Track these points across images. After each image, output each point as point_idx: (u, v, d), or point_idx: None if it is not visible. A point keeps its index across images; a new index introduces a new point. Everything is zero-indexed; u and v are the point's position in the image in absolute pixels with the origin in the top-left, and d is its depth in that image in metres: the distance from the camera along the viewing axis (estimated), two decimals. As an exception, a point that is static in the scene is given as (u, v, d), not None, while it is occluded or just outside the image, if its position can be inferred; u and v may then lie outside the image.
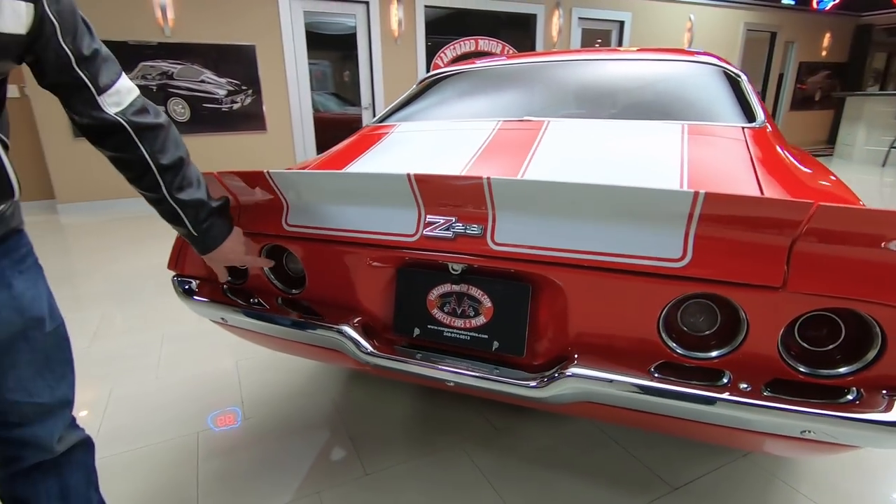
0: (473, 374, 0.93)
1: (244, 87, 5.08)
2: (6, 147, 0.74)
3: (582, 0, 6.57)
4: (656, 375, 0.82)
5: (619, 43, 7.10)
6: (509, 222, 0.88)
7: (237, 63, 4.98)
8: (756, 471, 1.36)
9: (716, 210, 0.73)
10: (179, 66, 4.78)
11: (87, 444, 0.89)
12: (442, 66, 6.03)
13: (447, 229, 0.91)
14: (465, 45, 6.11)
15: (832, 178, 1.18)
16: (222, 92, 5.00)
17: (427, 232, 0.93)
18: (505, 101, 1.58)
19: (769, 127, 1.31)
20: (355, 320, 1.06)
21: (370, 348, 1.01)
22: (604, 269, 0.83)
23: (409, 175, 0.88)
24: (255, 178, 1.02)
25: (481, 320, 0.96)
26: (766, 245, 0.74)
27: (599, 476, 1.34)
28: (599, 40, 6.76)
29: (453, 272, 0.95)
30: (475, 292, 0.96)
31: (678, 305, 0.84)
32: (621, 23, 7.00)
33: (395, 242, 0.96)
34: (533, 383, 0.88)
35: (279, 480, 1.27)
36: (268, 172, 0.99)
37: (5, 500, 0.84)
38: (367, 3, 5.40)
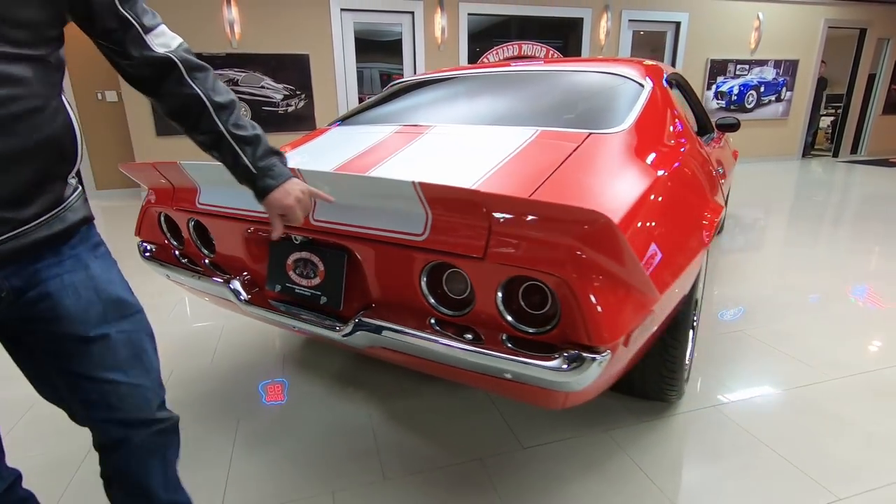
0: (304, 321, 1.21)
1: (298, 92, 5.65)
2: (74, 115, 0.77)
3: (633, 1, 6.49)
4: (419, 328, 1.06)
5: (675, 45, 6.91)
6: (322, 203, 1.15)
7: (293, 70, 5.56)
8: (607, 443, 1.50)
9: (435, 196, 0.95)
10: (243, 74, 5.44)
11: (177, 423, 0.93)
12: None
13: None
14: (508, 49, 6.29)
15: (641, 184, 1.20)
16: (279, 96, 5.60)
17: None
18: (422, 107, 1.83)
19: (629, 133, 1.45)
20: (245, 277, 1.38)
21: (245, 298, 1.32)
22: (379, 241, 1.07)
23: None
24: (173, 167, 1.37)
25: (317, 281, 1.24)
26: (473, 225, 0.95)
27: (470, 434, 1.55)
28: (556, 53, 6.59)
29: (296, 241, 1.24)
30: (314, 259, 1.24)
31: (432, 271, 1.06)
32: (677, 24, 6.81)
33: (259, 217, 1.26)
34: (336, 329, 1.15)
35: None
36: (180, 163, 1.33)
37: (107, 479, 0.89)
38: (413, 13, 5.77)
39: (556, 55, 6.45)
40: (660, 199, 1.21)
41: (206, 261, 1.52)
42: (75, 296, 0.77)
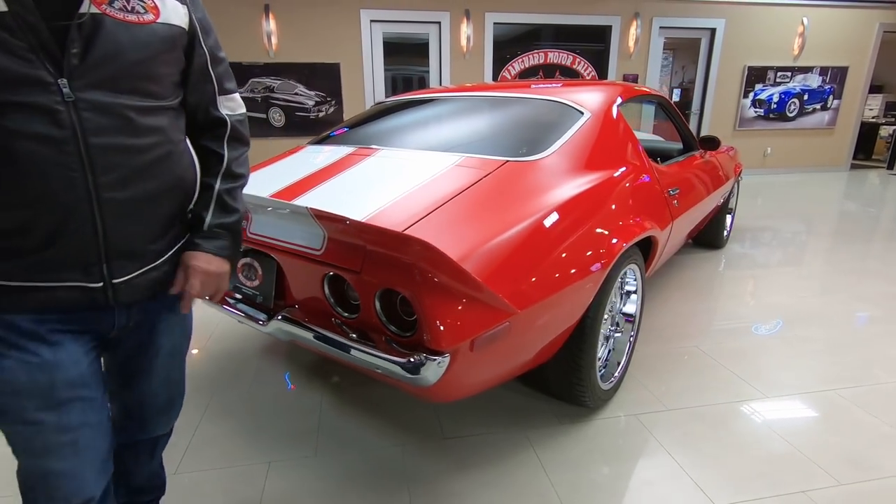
0: (244, 315, 1.46)
1: (329, 99, 6.00)
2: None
3: (664, 9, 6.42)
4: (322, 326, 1.27)
5: (709, 52, 6.76)
6: (257, 221, 1.39)
7: (324, 78, 5.91)
8: (521, 441, 1.66)
9: (323, 219, 1.16)
10: (279, 82, 5.84)
11: None
12: (508, 78, 6.40)
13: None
14: (534, 57, 6.39)
15: (523, 212, 1.34)
16: (311, 102, 5.97)
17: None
18: (382, 130, 2.04)
19: (548, 161, 1.60)
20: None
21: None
22: (293, 254, 1.30)
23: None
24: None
25: (256, 283, 1.48)
26: (353, 244, 1.16)
27: (403, 422, 1.76)
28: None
29: (241, 250, 1.49)
30: (255, 264, 1.48)
31: (332, 280, 1.27)
32: (712, 30, 6.67)
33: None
34: (259, 322, 1.38)
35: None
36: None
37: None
38: (440, 23, 5.99)
39: (582, 63, 6.49)
40: (543, 225, 1.36)
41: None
42: (170, 334, 0.95)
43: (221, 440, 1.67)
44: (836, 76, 7.19)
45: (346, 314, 1.27)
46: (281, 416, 1.79)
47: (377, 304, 1.18)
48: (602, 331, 1.80)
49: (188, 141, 0.89)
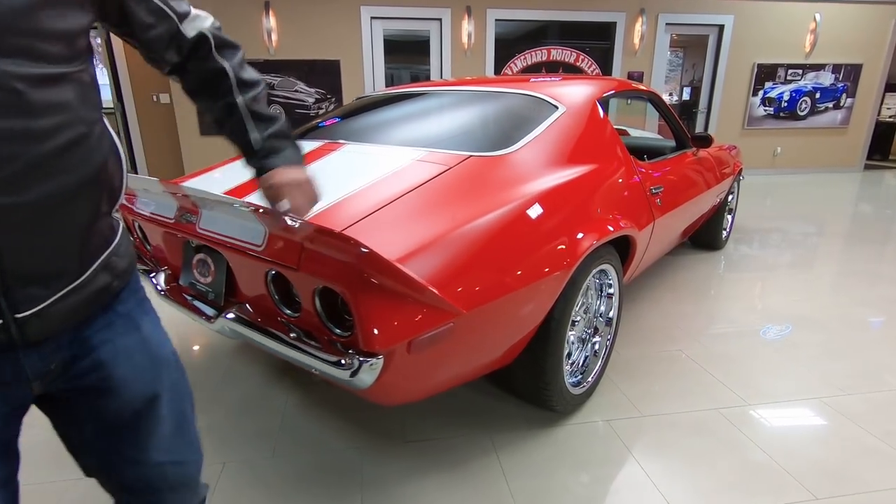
0: (194, 311, 1.42)
1: (329, 96, 5.98)
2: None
3: (670, 4, 6.30)
4: (268, 325, 1.23)
5: (717, 49, 6.62)
6: (206, 216, 1.35)
7: (324, 75, 5.89)
8: (485, 445, 1.61)
9: (261, 215, 1.12)
10: (279, 79, 5.83)
11: (205, 497, 0.90)
12: (511, 75, 6.33)
13: (183, 217, 1.42)
14: (537, 54, 6.31)
15: (477, 209, 1.29)
16: (311, 100, 5.96)
17: (178, 218, 1.45)
18: (355, 124, 2.00)
19: (513, 156, 1.54)
20: (168, 271, 1.61)
21: (161, 288, 1.55)
22: (239, 250, 1.26)
23: (160, 182, 1.39)
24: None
25: (209, 279, 1.44)
26: (291, 240, 1.11)
27: (365, 423, 1.71)
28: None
29: (192, 245, 1.45)
30: (208, 260, 1.44)
31: (276, 278, 1.23)
32: (720, 27, 6.52)
33: (170, 224, 1.49)
34: (206, 319, 1.35)
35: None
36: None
37: None
38: (441, 20, 5.93)
39: (586, 61, 6.39)
40: (501, 223, 1.31)
41: (147, 257, 1.77)
42: (128, 363, 0.70)
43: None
44: (850, 74, 6.99)
45: (290, 312, 1.23)
46: (244, 415, 1.76)
47: (317, 303, 1.13)
48: (574, 333, 1.74)
49: (106, 122, 0.68)
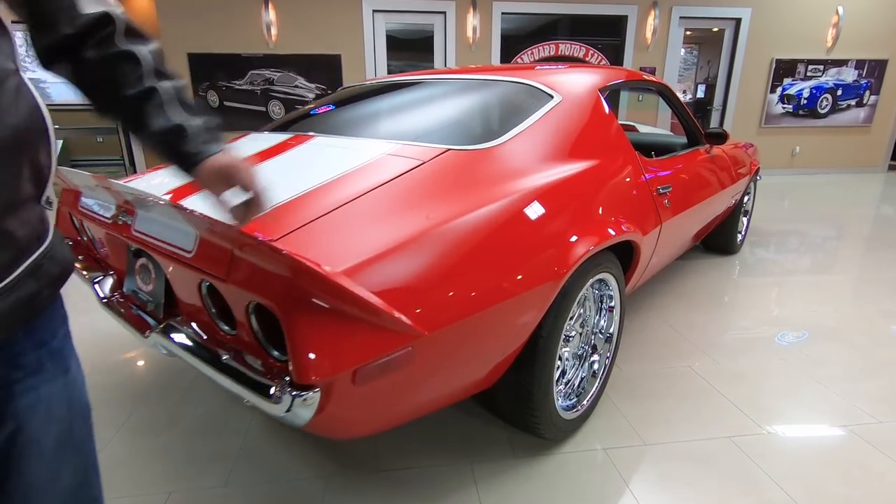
0: (131, 325, 1.26)
1: (329, 91, 5.82)
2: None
3: (685, -2, 6.04)
4: (200, 343, 1.06)
5: (734, 44, 6.35)
6: (141, 217, 1.18)
7: (324, 70, 5.74)
8: (464, 475, 1.43)
9: (188, 217, 0.95)
10: (279, 74, 5.69)
11: None
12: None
13: (119, 217, 1.25)
14: (545, 49, 6.09)
15: (449, 212, 1.11)
16: (311, 95, 5.81)
17: (115, 218, 1.28)
18: (332, 115, 1.82)
19: (498, 150, 1.36)
20: (112, 276, 1.45)
21: (103, 296, 1.39)
22: (169, 256, 1.09)
23: (91, 176, 1.23)
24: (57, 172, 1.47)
25: (151, 287, 1.28)
26: (221, 246, 0.94)
27: (334, 449, 1.54)
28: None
29: (132, 249, 1.29)
30: (150, 266, 1.28)
31: (211, 289, 1.06)
32: (737, 20, 6.25)
33: (109, 224, 1.32)
34: (144, 335, 1.18)
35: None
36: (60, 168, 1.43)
37: None
38: (445, 13, 5.75)
39: (596, 56, 6.16)
40: (477, 227, 1.12)
41: (94, 258, 1.61)
42: (46, 418, 0.55)
43: (128, 463, 1.48)
44: (874, 70, 6.68)
45: (227, 329, 1.06)
46: (202, 437, 1.60)
47: (252, 321, 0.96)
48: (569, 350, 1.56)
49: (26, 78, 0.52)
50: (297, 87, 5.76)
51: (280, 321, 0.84)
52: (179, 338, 1.09)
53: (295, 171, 1.30)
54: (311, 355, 0.83)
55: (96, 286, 1.42)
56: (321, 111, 1.91)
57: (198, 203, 1.08)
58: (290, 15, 5.53)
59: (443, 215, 1.10)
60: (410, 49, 6.00)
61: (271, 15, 5.46)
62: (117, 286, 1.44)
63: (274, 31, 5.53)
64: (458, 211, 1.13)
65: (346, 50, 5.71)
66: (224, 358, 0.99)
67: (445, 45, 5.86)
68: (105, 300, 1.39)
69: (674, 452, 1.52)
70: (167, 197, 1.19)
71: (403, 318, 0.91)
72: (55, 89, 6.34)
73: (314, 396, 0.84)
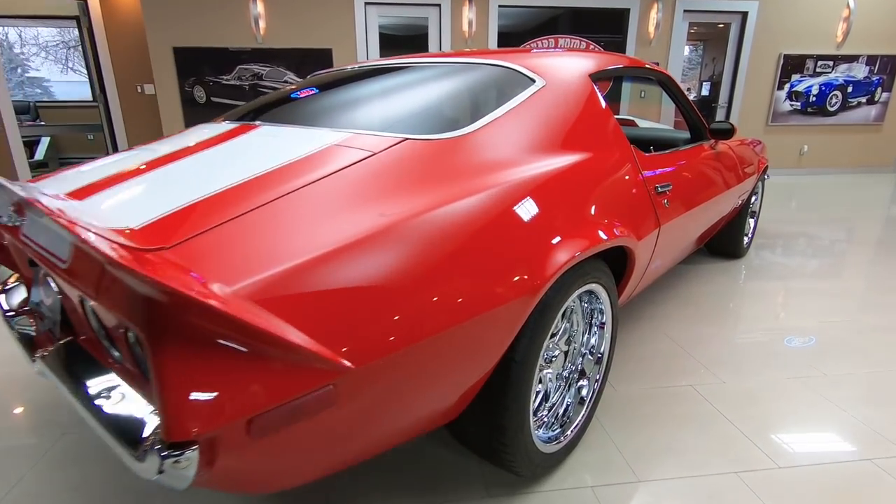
0: (22, 346, 1.06)
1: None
2: None
3: (689, -10, 5.82)
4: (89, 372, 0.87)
5: (740, 39, 6.12)
6: (30, 220, 0.99)
7: (315, 65, 5.54)
8: (425, 520, 1.23)
9: (57, 219, 0.75)
10: (268, 69, 5.49)
11: None
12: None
13: (11, 220, 1.06)
14: (543, 44, 5.88)
15: (397, 215, 0.92)
16: (301, 91, 5.61)
17: (9, 220, 1.09)
18: (287, 104, 1.62)
19: (463, 140, 1.16)
20: (23, 287, 1.26)
21: (6, 309, 1.20)
22: (51, 265, 0.89)
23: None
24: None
25: (50, 301, 1.08)
26: (90, 256, 0.74)
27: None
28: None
29: (30, 257, 1.09)
30: (49, 279, 1.08)
31: (95, 313, 0.86)
32: (743, 14, 6.02)
33: (5, 227, 1.13)
34: (32, 360, 0.98)
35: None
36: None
37: None
38: (440, 6, 5.54)
39: (596, 49, 5.94)
40: (431, 230, 0.92)
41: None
42: None
43: (41, 502, 1.29)
44: (886, 66, 6.43)
45: (118, 355, 0.86)
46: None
47: (135, 349, 0.76)
48: (552, 371, 1.35)
49: None
50: (286, 82, 5.56)
51: (146, 355, 0.64)
52: (53, 367, 0.89)
53: (221, 166, 1.10)
54: (185, 402, 0.62)
55: (1, 297, 1.23)
56: (281, 99, 1.71)
57: (93, 207, 0.89)
58: (279, 7, 5.34)
59: (392, 216, 0.90)
60: (404, 45, 5.80)
61: (259, 7, 5.27)
62: (27, 299, 1.25)
63: (262, 24, 5.33)
64: (410, 211, 0.93)
65: (337, 44, 5.52)
66: (91, 394, 0.79)
67: (440, 38, 5.66)
68: (9, 313, 1.19)
69: (672, 493, 1.31)
70: (61, 198, 0.99)
71: (319, 348, 0.71)
72: (58, 88, 6.18)
73: (191, 457, 0.64)
